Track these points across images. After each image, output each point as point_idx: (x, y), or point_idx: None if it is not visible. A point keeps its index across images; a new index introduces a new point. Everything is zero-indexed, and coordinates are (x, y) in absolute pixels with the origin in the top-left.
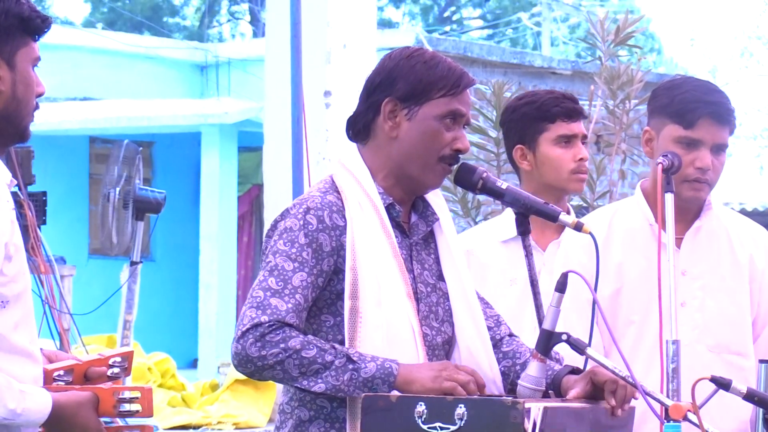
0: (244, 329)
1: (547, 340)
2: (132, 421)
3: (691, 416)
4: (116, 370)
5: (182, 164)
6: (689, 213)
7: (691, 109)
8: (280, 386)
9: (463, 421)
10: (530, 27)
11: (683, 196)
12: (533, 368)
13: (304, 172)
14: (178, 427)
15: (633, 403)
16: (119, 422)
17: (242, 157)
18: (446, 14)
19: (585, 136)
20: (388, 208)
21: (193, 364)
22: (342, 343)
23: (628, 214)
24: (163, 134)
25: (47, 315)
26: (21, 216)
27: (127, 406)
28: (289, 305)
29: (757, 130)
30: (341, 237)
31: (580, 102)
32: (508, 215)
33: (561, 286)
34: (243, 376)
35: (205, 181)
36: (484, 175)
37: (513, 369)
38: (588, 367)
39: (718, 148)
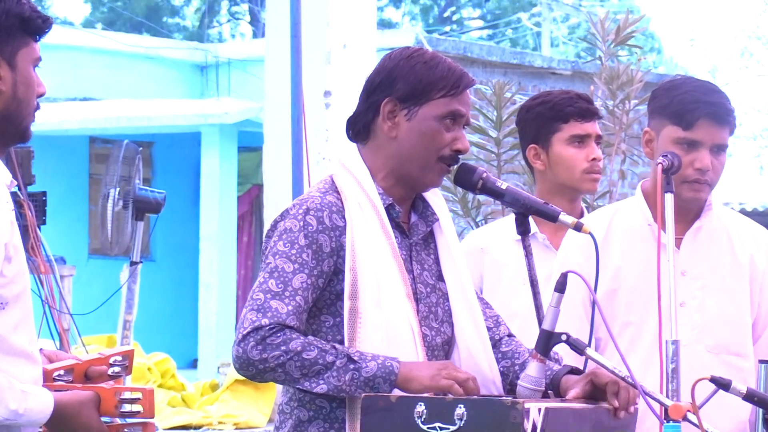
0: (245, 332)
1: (547, 340)
2: (133, 420)
3: (691, 416)
4: (117, 369)
5: (182, 164)
6: (689, 213)
7: (690, 110)
8: (279, 386)
9: (462, 422)
10: (530, 27)
11: (683, 197)
12: (533, 368)
13: (304, 172)
14: (178, 427)
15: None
16: (119, 422)
17: (242, 157)
18: (446, 14)
19: (599, 137)
20: (388, 209)
21: (193, 364)
22: (342, 343)
23: (628, 214)
24: (163, 134)
25: (47, 315)
26: (21, 216)
27: (128, 407)
28: (290, 307)
29: (757, 130)
30: (341, 237)
31: None
32: None
33: (560, 287)
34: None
35: (205, 181)
36: (484, 175)
37: (512, 369)
38: (587, 368)
39: (718, 149)
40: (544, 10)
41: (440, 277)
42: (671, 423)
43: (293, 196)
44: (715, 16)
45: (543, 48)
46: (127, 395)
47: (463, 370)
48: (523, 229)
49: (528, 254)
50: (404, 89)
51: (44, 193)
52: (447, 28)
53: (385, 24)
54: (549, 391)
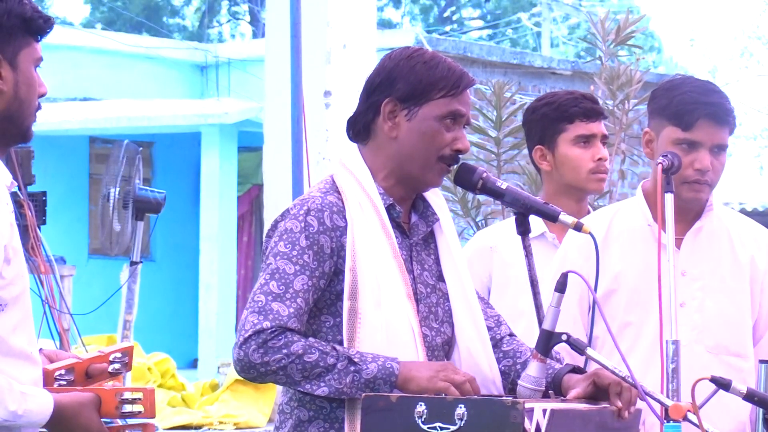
0: (246, 335)
1: (547, 340)
2: (133, 420)
3: (691, 416)
4: (117, 365)
5: (182, 164)
6: (690, 213)
7: (689, 110)
8: (280, 387)
9: (463, 422)
10: (530, 27)
11: (683, 198)
12: (533, 368)
13: (304, 172)
14: (178, 427)
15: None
16: (120, 422)
17: (242, 157)
18: (446, 14)
19: (605, 136)
20: (389, 209)
21: (193, 364)
22: (341, 343)
23: (628, 214)
24: (163, 134)
25: (47, 315)
26: (21, 216)
27: (129, 407)
28: (291, 310)
29: (757, 130)
30: (342, 238)
31: None
32: None
33: (561, 287)
34: None
35: (205, 181)
36: (484, 175)
37: (513, 368)
38: (588, 367)
39: (718, 149)
40: (544, 10)
41: (440, 278)
42: (671, 423)
43: (293, 196)
44: (715, 16)
45: (543, 48)
46: (127, 396)
47: (462, 371)
48: (522, 229)
49: (528, 254)
50: (404, 89)
51: (44, 193)
52: (447, 28)
53: (385, 24)
54: (549, 391)
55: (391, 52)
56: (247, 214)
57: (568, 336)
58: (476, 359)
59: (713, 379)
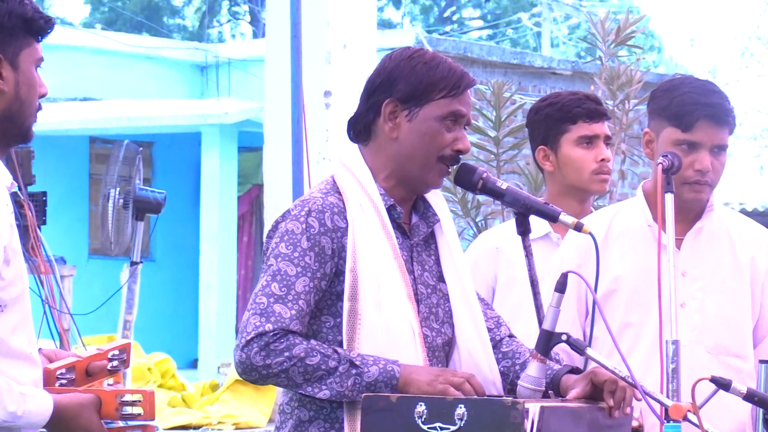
0: (248, 338)
1: (547, 340)
2: (133, 422)
3: (691, 416)
4: (115, 363)
5: (182, 164)
6: (690, 214)
7: (689, 111)
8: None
9: (463, 422)
10: (530, 27)
11: (684, 198)
12: (533, 368)
13: (304, 173)
14: (178, 427)
15: (634, 403)
16: (120, 423)
17: (242, 157)
18: (446, 14)
19: (608, 137)
20: (389, 210)
21: (193, 364)
22: (341, 344)
23: (628, 215)
24: (163, 134)
25: (47, 315)
26: (21, 216)
27: (129, 409)
28: (293, 311)
29: (757, 130)
30: (342, 239)
31: None
32: None
33: (561, 287)
34: None
35: (205, 181)
36: (484, 175)
37: (513, 369)
38: (587, 368)
39: (718, 149)
40: (545, 10)
41: (441, 278)
42: (671, 423)
43: (293, 197)
44: (715, 16)
45: (543, 48)
46: (127, 397)
47: (460, 373)
48: (522, 229)
49: (528, 254)
50: (405, 90)
51: (44, 193)
52: (447, 28)
53: (385, 24)
54: (549, 391)
55: (391, 52)
56: (247, 214)
57: (568, 336)
58: (476, 360)
59: (713, 380)
